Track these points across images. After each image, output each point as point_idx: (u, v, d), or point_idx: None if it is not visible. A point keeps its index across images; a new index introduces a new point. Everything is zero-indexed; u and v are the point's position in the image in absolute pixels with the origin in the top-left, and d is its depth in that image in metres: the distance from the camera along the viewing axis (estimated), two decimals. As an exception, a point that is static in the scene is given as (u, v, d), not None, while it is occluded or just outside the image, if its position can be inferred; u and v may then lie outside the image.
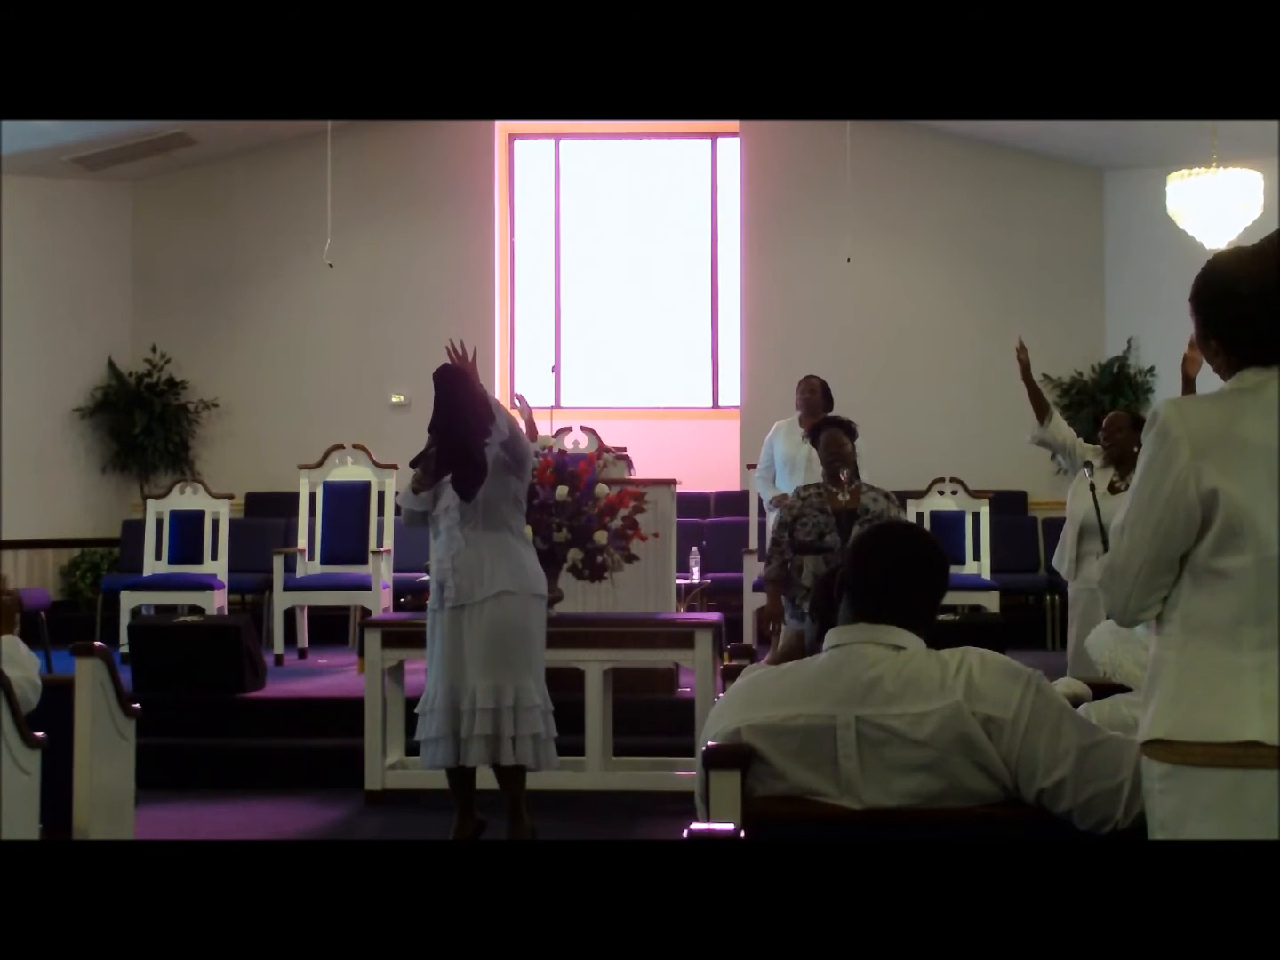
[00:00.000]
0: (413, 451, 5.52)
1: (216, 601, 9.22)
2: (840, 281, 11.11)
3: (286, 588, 9.17)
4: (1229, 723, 2.28)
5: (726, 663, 4.42)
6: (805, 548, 6.15)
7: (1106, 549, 5.65)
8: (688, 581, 8.43)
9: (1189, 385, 6.18)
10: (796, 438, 8.40)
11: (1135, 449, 6.19)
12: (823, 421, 6.57)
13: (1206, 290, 2.46)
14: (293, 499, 9.85)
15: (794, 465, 8.35)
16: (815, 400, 8.41)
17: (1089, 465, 6.24)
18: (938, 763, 2.51)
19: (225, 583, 9.47)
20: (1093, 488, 5.92)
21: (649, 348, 12.07)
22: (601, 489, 6.67)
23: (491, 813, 5.58)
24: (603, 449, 7.58)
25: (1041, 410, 6.53)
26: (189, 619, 8.04)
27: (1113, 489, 6.25)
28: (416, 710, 5.52)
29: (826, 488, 6.26)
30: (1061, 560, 6.40)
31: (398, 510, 9.53)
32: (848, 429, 6.39)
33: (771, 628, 6.61)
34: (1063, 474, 10.09)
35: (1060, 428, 6.55)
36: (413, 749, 5.83)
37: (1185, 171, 8.74)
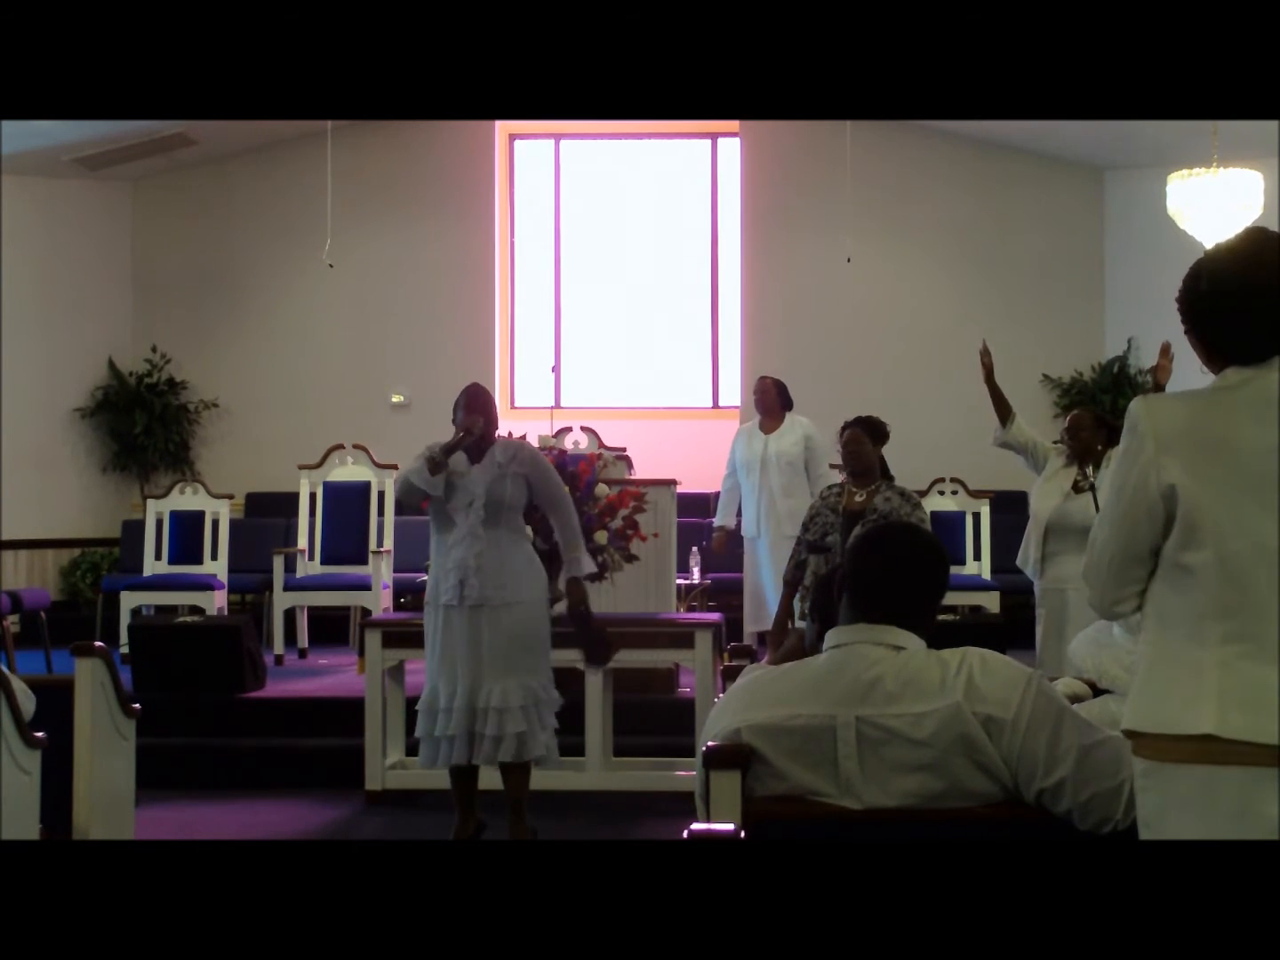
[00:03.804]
0: (413, 451, 5.50)
1: (217, 602, 9.22)
2: (840, 281, 11.11)
3: (287, 588, 9.17)
4: (1185, 716, 2.29)
5: (726, 663, 4.42)
6: (812, 547, 6.09)
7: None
8: (688, 581, 8.43)
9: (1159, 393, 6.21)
10: (755, 441, 8.39)
11: (1099, 448, 6.25)
12: (852, 420, 6.32)
13: (1189, 289, 2.46)
14: (293, 499, 9.85)
15: (750, 468, 8.34)
16: (769, 400, 8.40)
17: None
18: (938, 763, 2.51)
19: (225, 583, 9.46)
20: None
21: (649, 348, 12.06)
22: (602, 489, 6.67)
23: (491, 813, 5.58)
24: (603, 449, 7.58)
25: (1004, 413, 6.58)
26: (189, 619, 8.04)
27: (1077, 488, 6.28)
28: (418, 708, 5.51)
29: (847, 487, 6.19)
30: (1026, 559, 6.41)
31: (398, 508, 9.62)
32: (870, 428, 6.19)
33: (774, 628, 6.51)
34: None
35: (1022, 430, 6.60)
36: (413, 749, 5.82)
37: (1185, 171, 8.74)
